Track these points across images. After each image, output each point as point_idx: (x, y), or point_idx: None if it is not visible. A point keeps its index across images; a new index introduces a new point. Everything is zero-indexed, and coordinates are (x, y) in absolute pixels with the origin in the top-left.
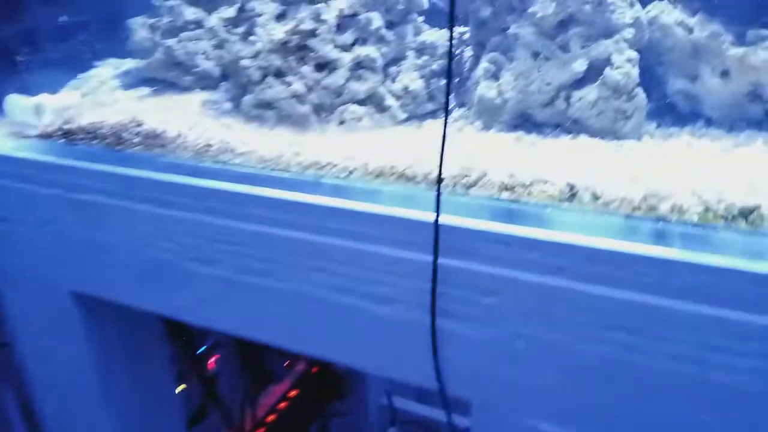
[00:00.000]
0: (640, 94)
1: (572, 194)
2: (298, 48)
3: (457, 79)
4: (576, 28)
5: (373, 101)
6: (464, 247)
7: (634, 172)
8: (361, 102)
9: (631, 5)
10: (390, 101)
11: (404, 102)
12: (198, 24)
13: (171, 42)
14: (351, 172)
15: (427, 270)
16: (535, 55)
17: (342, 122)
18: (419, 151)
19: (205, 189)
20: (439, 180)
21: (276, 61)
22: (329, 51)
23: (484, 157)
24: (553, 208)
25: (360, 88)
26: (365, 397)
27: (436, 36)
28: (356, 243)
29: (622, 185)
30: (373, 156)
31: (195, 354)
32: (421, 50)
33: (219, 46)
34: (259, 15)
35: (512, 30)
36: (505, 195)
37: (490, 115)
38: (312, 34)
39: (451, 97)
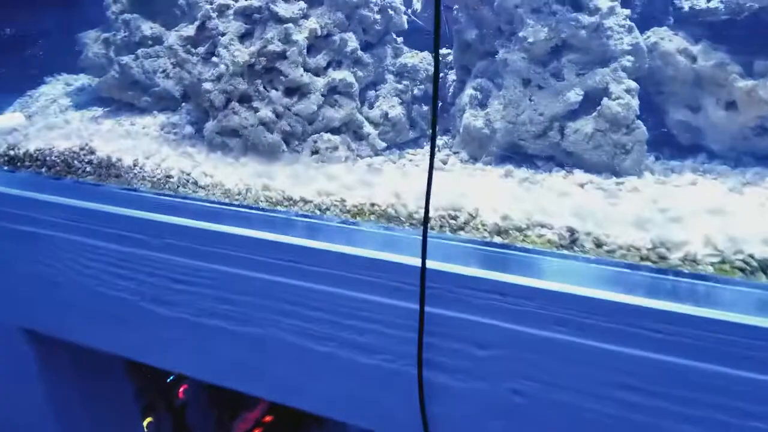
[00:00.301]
0: (641, 127)
1: (573, 240)
2: (265, 71)
3: (439, 104)
4: (570, 55)
5: (349, 129)
6: (455, 295)
7: (640, 215)
8: (336, 130)
9: (629, 30)
10: (368, 129)
11: (383, 129)
12: (156, 40)
13: (127, 59)
14: (327, 209)
15: (413, 318)
16: (526, 82)
17: (315, 152)
18: (401, 185)
19: (164, 224)
20: (426, 221)
21: (241, 85)
22: (300, 75)
23: (474, 194)
24: (551, 256)
25: (335, 115)
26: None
27: (417, 59)
28: (333, 287)
29: (627, 231)
30: (350, 191)
31: (164, 383)
32: (400, 74)
33: (179, 65)
34: (222, 34)
35: (501, 55)
36: (499, 239)
37: (476, 146)
38: (281, 56)
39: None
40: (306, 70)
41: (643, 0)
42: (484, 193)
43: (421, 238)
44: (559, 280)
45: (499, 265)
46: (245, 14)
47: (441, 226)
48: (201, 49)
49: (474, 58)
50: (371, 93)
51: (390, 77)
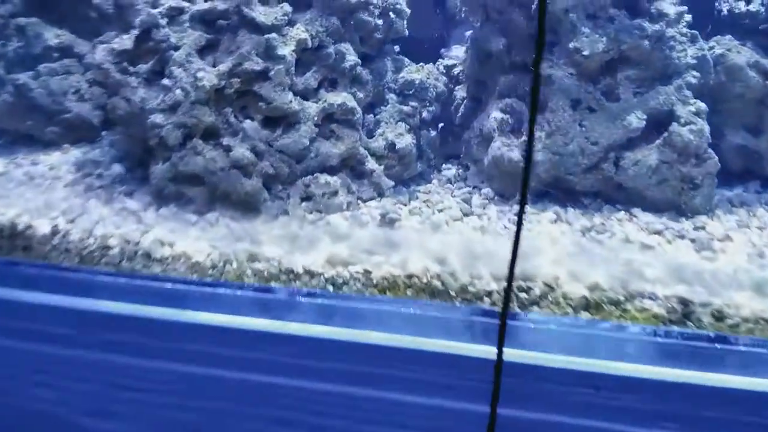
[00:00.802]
0: (713, 157)
1: (686, 314)
2: (238, 95)
3: (441, 124)
4: (628, 70)
5: (348, 166)
6: (533, 391)
7: (752, 274)
8: (333, 169)
9: (692, 40)
10: (371, 164)
11: (389, 163)
12: (65, 51)
13: (24, 77)
14: (344, 284)
15: (479, 423)
16: (575, 104)
17: (307, 198)
18: (435, 244)
19: (101, 315)
20: (507, 299)
21: (207, 116)
22: (288, 101)
23: (535, 252)
24: (658, 334)
25: (332, 150)
26: None
27: (423, 74)
28: (356, 387)
29: (743, 297)
30: (371, 256)
31: None
32: (404, 93)
33: (112, 89)
34: (174, 47)
35: (544, 70)
36: (587, 316)
37: (508, 181)
38: (261, 76)
39: (436, 140)
40: (293, 92)
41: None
42: (549, 251)
43: (480, 318)
44: (667, 366)
45: (589, 349)
46: (206, 20)
47: (509, 300)
48: (143, 67)
49: (496, 72)
50: (369, 117)
51: (392, 97)
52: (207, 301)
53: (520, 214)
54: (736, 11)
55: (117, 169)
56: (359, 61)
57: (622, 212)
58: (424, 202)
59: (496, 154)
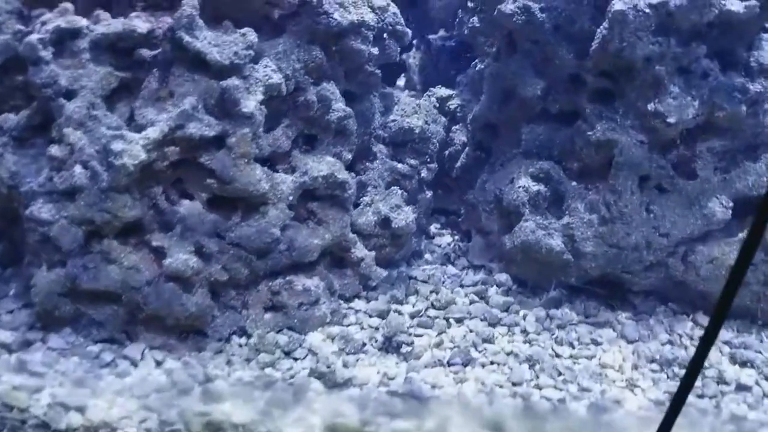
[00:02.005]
0: None
1: None
2: (175, 167)
3: (429, 176)
4: (712, 140)
5: (326, 256)
6: None
7: None
8: (310, 266)
9: None
10: (359, 251)
11: (378, 243)
12: None
13: None
14: None
15: None
16: (643, 181)
17: (275, 308)
18: (480, 404)
19: None
20: None
21: (126, 208)
22: (253, 178)
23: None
24: None
25: (311, 241)
26: None
27: (421, 116)
28: None
29: None
30: (391, 419)
31: None
32: (397, 143)
33: None
34: (66, 93)
35: (597, 132)
36: None
37: (535, 270)
38: (214, 144)
39: (432, 196)
40: (258, 158)
41: None
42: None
43: None
44: None
45: None
46: (119, 50)
47: None
48: (11, 119)
49: (520, 119)
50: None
51: (381, 149)
52: None
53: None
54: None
55: None
56: (349, 110)
57: (686, 319)
58: (426, 298)
59: (529, 239)
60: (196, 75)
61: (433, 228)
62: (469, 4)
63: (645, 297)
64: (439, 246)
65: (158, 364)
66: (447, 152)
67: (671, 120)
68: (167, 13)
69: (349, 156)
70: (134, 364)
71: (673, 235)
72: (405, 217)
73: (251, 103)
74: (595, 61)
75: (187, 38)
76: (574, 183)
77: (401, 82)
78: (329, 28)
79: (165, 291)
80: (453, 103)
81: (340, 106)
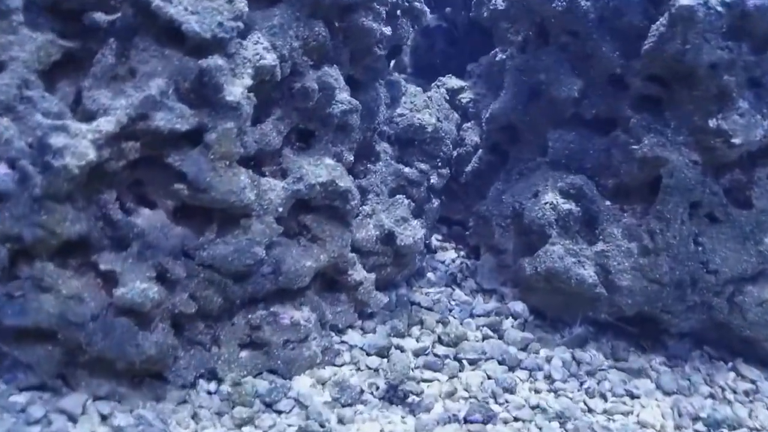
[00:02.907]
0: None
1: None
2: (133, 166)
3: (440, 183)
4: None
5: (317, 279)
6: None
7: None
8: (298, 293)
9: None
10: (358, 274)
11: (377, 260)
12: None
13: None
14: None
15: None
16: (694, 208)
17: (254, 346)
18: None
19: None
20: None
21: (68, 222)
22: (236, 186)
23: None
24: None
25: (303, 262)
26: None
27: (433, 111)
28: None
29: None
30: None
31: None
32: (405, 141)
33: None
34: None
35: (644, 147)
36: None
37: (559, 301)
38: (186, 139)
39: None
40: (241, 157)
41: None
42: None
43: None
44: None
45: None
46: (63, 12)
47: None
48: None
49: (547, 122)
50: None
51: (386, 148)
52: None
53: None
54: None
55: None
56: (356, 103)
57: (724, 366)
58: (432, 330)
59: (556, 266)
60: (166, 49)
61: (435, 240)
62: None
63: (679, 338)
64: (443, 263)
65: (104, 419)
66: (455, 153)
67: (736, 140)
68: None
69: (351, 158)
70: (73, 419)
71: (722, 272)
72: (412, 233)
73: (237, 90)
74: (645, 63)
75: (156, 1)
76: (608, 202)
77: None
78: (336, 0)
79: (115, 327)
80: (465, 97)
81: (344, 97)
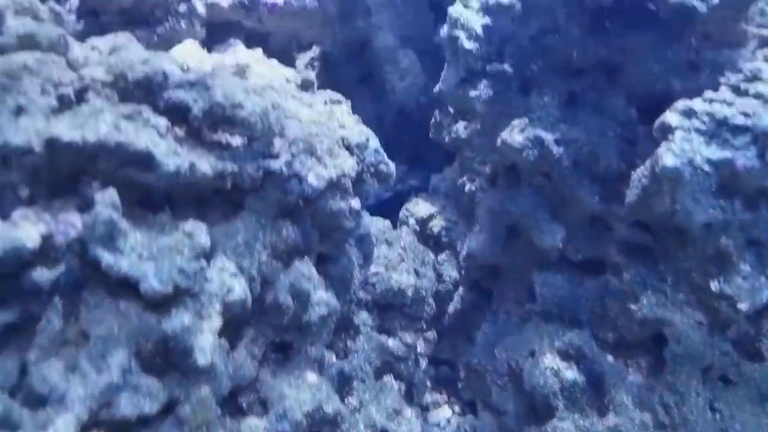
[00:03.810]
0: None
1: None
2: None
3: (428, 350)
4: None
5: None
6: None
7: None
8: None
9: None
10: None
11: None
12: None
13: None
14: None
15: None
16: (706, 373)
17: None
18: None
19: None
20: None
21: None
22: None
23: None
24: None
25: None
26: None
27: (411, 268)
28: None
29: None
30: None
31: None
32: (383, 307)
33: None
34: None
35: (644, 308)
36: None
37: None
38: (157, 417)
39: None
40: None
41: None
42: None
43: None
44: None
45: None
46: None
47: None
48: None
49: (528, 264)
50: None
51: (365, 319)
52: None
53: None
54: None
55: None
56: (333, 304)
57: None
58: None
59: None
60: (121, 303)
61: (427, 393)
62: (450, 110)
63: None
64: (438, 425)
65: None
66: (434, 289)
67: (743, 306)
68: (70, 205)
69: (333, 358)
70: None
71: None
72: (408, 428)
73: (207, 344)
74: (630, 212)
75: (106, 257)
76: (610, 357)
77: None
78: (302, 196)
79: None
80: (436, 225)
81: (321, 298)
